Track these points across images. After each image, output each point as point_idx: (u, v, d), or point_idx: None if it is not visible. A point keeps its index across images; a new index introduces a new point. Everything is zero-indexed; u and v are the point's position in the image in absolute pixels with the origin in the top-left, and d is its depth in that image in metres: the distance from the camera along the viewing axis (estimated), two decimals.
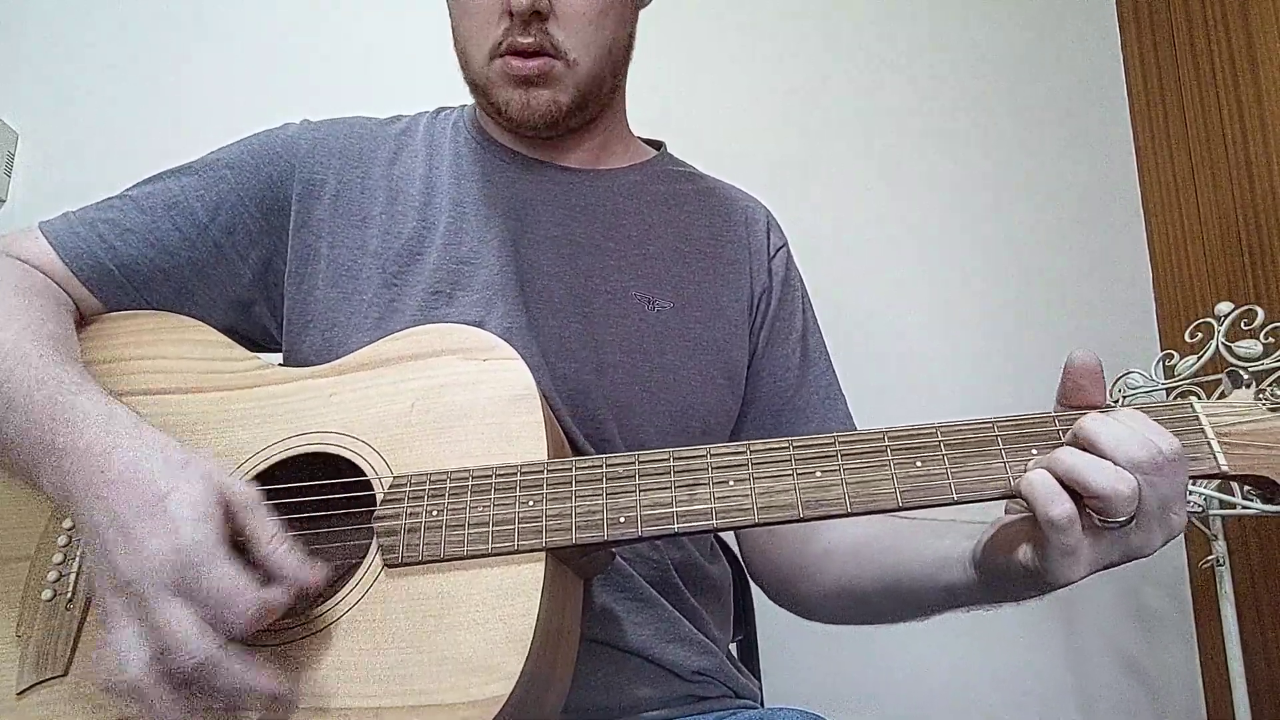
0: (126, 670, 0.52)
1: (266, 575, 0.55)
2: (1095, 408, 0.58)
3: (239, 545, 0.56)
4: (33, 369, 0.63)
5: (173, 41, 1.45)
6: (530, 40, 0.77)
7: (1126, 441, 0.53)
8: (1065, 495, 0.53)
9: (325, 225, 0.82)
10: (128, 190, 0.82)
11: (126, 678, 0.52)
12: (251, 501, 0.57)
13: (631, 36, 0.86)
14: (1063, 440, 0.57)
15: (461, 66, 0.84)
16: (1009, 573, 0.59)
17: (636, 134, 0.96)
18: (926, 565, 0.68)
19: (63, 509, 0.66)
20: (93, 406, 0.61)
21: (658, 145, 0.97)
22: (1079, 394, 0.59)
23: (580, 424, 0.76)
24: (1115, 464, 0.53)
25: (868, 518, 0.75)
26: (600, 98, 0.84)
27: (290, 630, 0.59)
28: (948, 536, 0.67)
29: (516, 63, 0.78)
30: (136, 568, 0.53)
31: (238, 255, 0.82)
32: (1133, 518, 0.53)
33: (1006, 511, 0.62)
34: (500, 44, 0.77)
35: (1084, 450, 0.54)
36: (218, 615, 0.52)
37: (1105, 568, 0.55)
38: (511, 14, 0.76)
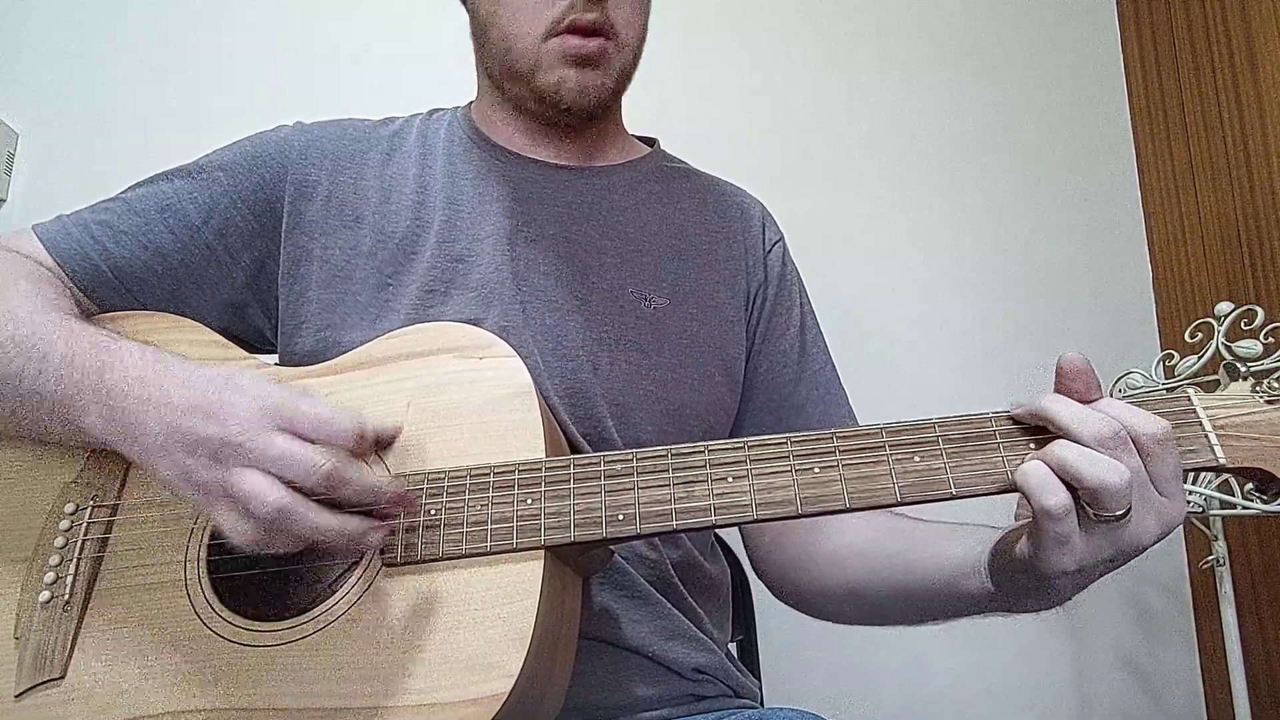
0: (270, 501, 0.54)
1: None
2: None
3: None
4: (62, 328, 0.66)
5: (172, 42, 1.45)
6: (594, 16, 0.77)
7: (1089, 420, 0.54)
8: (1061, 485, 0.53)
9: (318, 226, 0.82)
10: (121, 193, 0.82)
11: (273, 505, 0.54)
12: (303, 388, 0.61)
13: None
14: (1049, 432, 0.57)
15: (496, 55, 0.83)
16: (1011, 569, 0.60)
17: (631, 131, 0.96)
18: (939, 571, 0.68)
19: (62, 509, 0.66)
20: (135, 345, 0.64)
21: (651, 142, 0.97)
22: (1072, 394, 0.59)
23: (577, 422, 0.76)
24: (1080, 443, 0.53)
25: (878, 519, 0.76)
26: (624, 89, 0.86)
27: (288, 631, 0.59)
28: (959, 544, 0.67)
29: (577, 41, 0.78)
30: (233, 425, 0.56)
31: (230, 257, 0.82)
32: (1126, 512, 0.53)
33: (1016, 519, 0.62)
34: (561, 20, 0.78)
35: (1058, 435, 0.55)
36: (327, 433, 0.57)
37: (1104, 564, 0.55)
38: None
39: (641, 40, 0.84)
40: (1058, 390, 0.59)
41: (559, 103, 0.81)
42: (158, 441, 0.58)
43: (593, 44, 0.78)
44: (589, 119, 0.85)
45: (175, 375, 0.60)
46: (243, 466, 0.55)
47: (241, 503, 0.55)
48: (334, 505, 0.56)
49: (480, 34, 0.85)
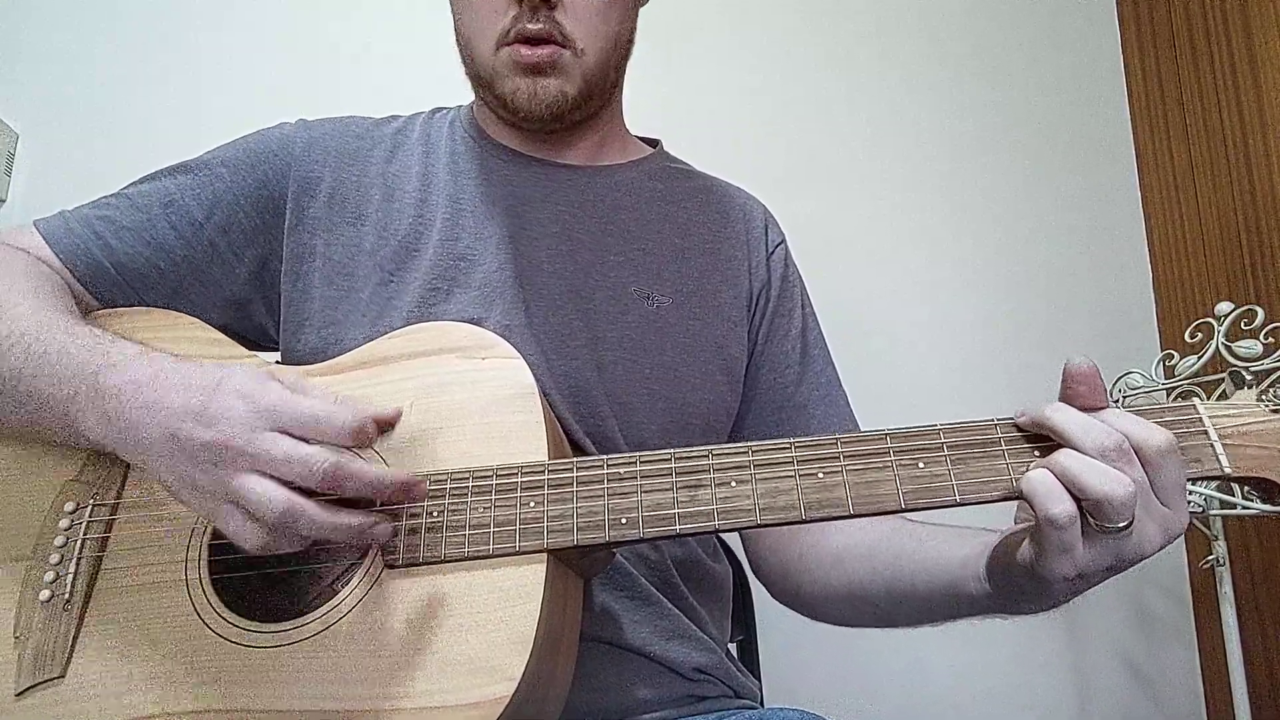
0: (276, 504, 0.54)
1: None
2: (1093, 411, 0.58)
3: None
4: (60, 329, 0.65)
5: (172, 42, 1.45)
6: (539, 27, 0.77)
7: (1092, 430, 0.54)
8: (1066, 494, 0.53)
9: (321, 224, 0.81)
10: (124, 189, 0.82)
11: (279, 508, 0.54)
12: (299, 379, 0.62)
13: (632, 33, 0.87)
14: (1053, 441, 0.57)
15: (465, 61, 0.84)
16: (1011, 574, 0.59)
17: (634, 133, 0.96)
18: (939, 575, 0.68)
19: (61, 508, 0.66)
20: (130, 346, 0.64)
21: (654, 143, 0.97)
22: (1078, 400, 0.58)
23: (580, 422, 0.76)
24: (1084, 453, 0.53)
25: (878, 521, 0.75)
26: (603, 92, 0.85)
27: (289, 632, 0.59)
28: (960, 546, 0.67)
29: (525, 50, 0.78)
30: (229, 429, 0.56)
31: (233, 254, 0.81)
32: (1129, 524, 0.53)
33: (1017, 521, 0.62)
34: (509, 31, 0.78)
35: (1061, 444, 0.55)
36: (325, 432, 0.57)
37: (1106, 571, 0.55)
38: (520, 1, 0.76)
39: (610, 45, 0.82)
40: (1063, 393, 0.59)
41: (516, 111, 0.81)
42: (156, 448, 0.58)
43: (541, 52, 0.78)
44: (564, 126, 0.85)
45: (170, 378, 0.60)
46: (244, 471, 0.55)
47: (246, 507, 0.55)
48: (339, 501, 0.56)
49: (456, 41, 0.86)
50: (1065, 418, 0.56)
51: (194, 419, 0.57)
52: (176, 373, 0.60)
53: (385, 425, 0.63)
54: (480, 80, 0.83)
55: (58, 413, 0.63)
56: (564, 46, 0.78)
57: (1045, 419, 0.56)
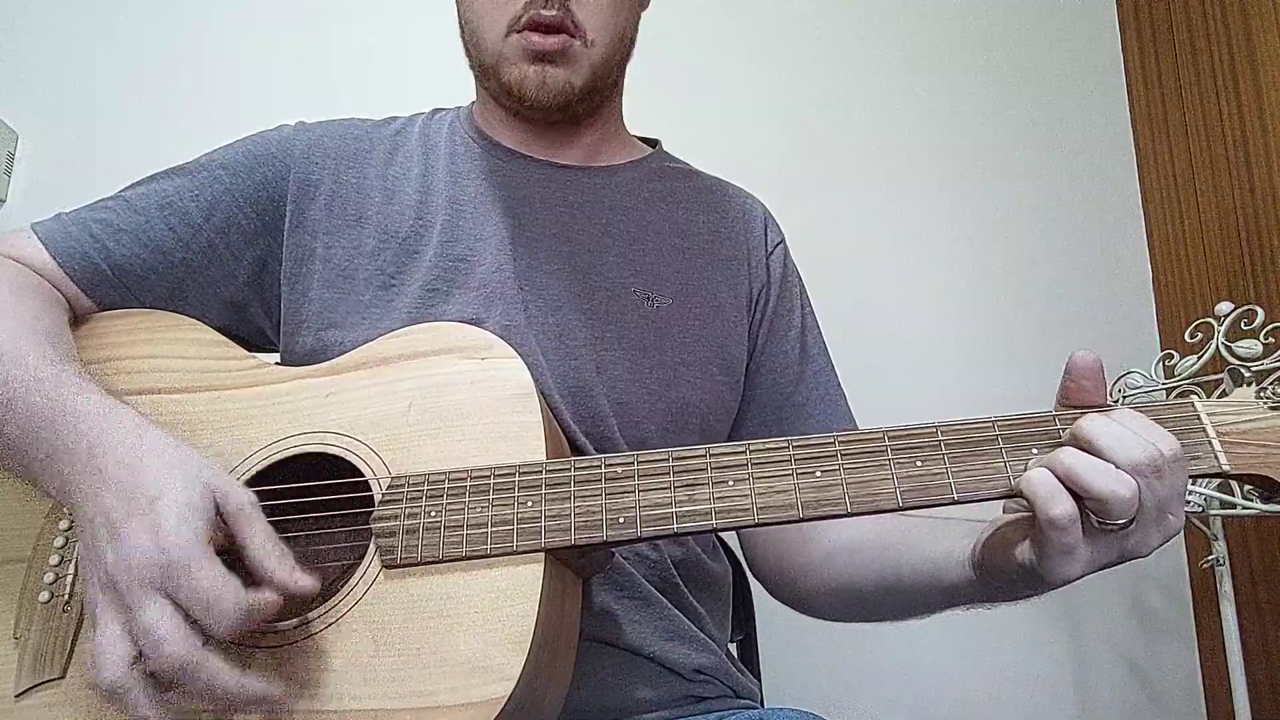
0: (107, 668, 0.52)
1: (256, 580, 0.55)
2: (1095, 408, 0.58)
3: (232, 550, 0.56)
4: (29, 369, 0.63)
5: (172, 42, 1.45)
6: (554, 14, 0.77)
7: (1126, 442, 0.53)
8: (1066, 494, 0.53)
9: (320, 225, 0.81)
10: (122, 191, 0.82)
11: (108, 676, 0.51)
12: (245, 505, 0.57)
13: (635, 34, 0.87)
14: (1063, 440, 0.56)
15: (469, 48, 0.84)
16: (1006, 571, 0.59)
17: (633, 132, 0.96)
18: (926, 565, 0.68)
19: (62, 509, 0.66)
20: (91, 407, 0.60)
21: (653, 143, 0.97)
22: (1080, 394, 0.58)
23: (580, 422, 0.76)
24: (1115, 465, 0.52)
25: (869, 516, 0.75)
26: (605, 88, 0.85)
27: (288, 633, 0.59)
28: (947, 537, 0.67)
29: (537, 37, 0.78)
30: (122, 565, 0.53)
31: (231, 256, 0.81)
32: (1132, 520, 0.53)
33: (1005, 511, 0.62)
34: (520, 18, 0.78)
35: (1084, 451, 0.54)
36: (201, 616, 0.52)
37: (1103, 567, 0.55)
38: None
39: (618, 40, 0.83)
40: (1065, 387, 0.59)
41: (522, 99, 0.81)
42: (83, 531, 0.57)
43: (552, 40, 0.78)
44: (568, 117, 0.85)
45: (118, 458, 0.57)
46: (115, 615, 0.53)
47: (94, 649, 0.53)
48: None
49: (460, 29, 0.86)
50: (1103, 429, 0.54)
51: (108, 529, 0.55)
52: (125, 463, 0.57)
53: (305, 596, 0.57)
54: (484, 67, 0.83)
55: (18, 465, 0.62)
56: (574, 36, 0.79)
57: (1087, 434, 0.54)
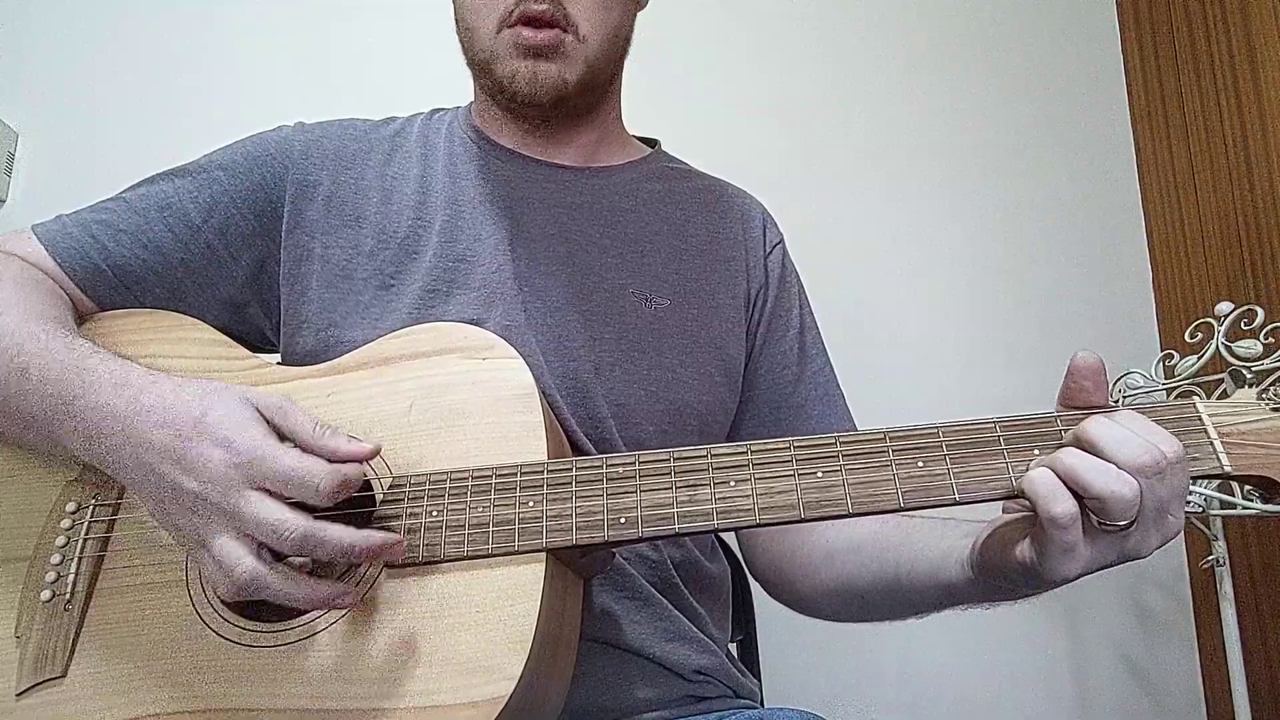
0: (236, 571, 0.55)
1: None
2: (1097, 408, 0.58)
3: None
4: (41, 343, 0.65)
5: (172, 42, 1.45)
6: (544, 8, 0.77)
7: (1129, 444, 0.53)
8: (1068, 494, 0.53)
9: (319, 226, 0.82)
10: (121, 192, 0.82)
11: (241, 576, 0.55)
12: (282, 401, 0.60)
13: (630, 33, 0.87)
14: (1064, 441, 0.57)
15: (464, 45, 0.84)
16: (1006, 570, 0.59)
17: (632, 133, 0.96)
18: (925, 565, 0.68)
19: (63, 508, 0.66)
20: (107, 368, 0.63)
21: (652, 143, 0.97)
22: (1081, 394, 0.59)
23: (580, 422, 0.76)
24: (1118, 467, 0.52)
25: (869, 517, 0.76)
26: (600, 85, 0.85)
27: (289, 632, 0.59)
28: (946, 537, 0.67)
29: (528, 32, 0.78)
30: (206, 483, 0.56)
31: (230, 256, 0.82)
32: (1132, 521, 0.53)
33: (1005, 511, 0.62)
34: (512, 12, 0.78)
35: (1086, 452, 0.54)
36: (298, 494, 0.56)
37: (1102, 568, 0.55)
38: None
39: (611, 35, 0.83)
40: (1066, 387, 0.59)
41: (515, 94, 0.81)
42: (137, 479, 0.59)
43: (544, 35, 0.78)
44: (564, 115, 0.85)
45: (149, 409, 0.59)
46: (220, 529, 0.56)
47: (219, 562, 0.56)
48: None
49: (455, 26, 0.86)
50: (1106, 431, 0.54)
51: (172, 463, 0.57)
52: (157, 399, 0.60)
53: (369, 459, 0.61)
54: (479, 64, 0.83)
55: (42, 430, 0.64)
56: (566, 30, 0.79)
57: (1090, 435, 0.55)
